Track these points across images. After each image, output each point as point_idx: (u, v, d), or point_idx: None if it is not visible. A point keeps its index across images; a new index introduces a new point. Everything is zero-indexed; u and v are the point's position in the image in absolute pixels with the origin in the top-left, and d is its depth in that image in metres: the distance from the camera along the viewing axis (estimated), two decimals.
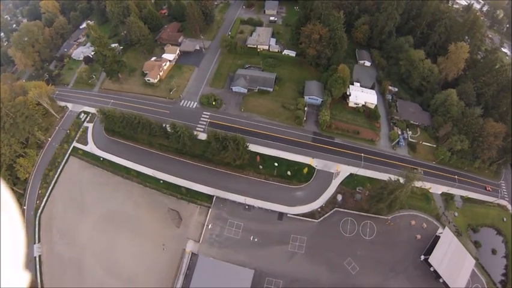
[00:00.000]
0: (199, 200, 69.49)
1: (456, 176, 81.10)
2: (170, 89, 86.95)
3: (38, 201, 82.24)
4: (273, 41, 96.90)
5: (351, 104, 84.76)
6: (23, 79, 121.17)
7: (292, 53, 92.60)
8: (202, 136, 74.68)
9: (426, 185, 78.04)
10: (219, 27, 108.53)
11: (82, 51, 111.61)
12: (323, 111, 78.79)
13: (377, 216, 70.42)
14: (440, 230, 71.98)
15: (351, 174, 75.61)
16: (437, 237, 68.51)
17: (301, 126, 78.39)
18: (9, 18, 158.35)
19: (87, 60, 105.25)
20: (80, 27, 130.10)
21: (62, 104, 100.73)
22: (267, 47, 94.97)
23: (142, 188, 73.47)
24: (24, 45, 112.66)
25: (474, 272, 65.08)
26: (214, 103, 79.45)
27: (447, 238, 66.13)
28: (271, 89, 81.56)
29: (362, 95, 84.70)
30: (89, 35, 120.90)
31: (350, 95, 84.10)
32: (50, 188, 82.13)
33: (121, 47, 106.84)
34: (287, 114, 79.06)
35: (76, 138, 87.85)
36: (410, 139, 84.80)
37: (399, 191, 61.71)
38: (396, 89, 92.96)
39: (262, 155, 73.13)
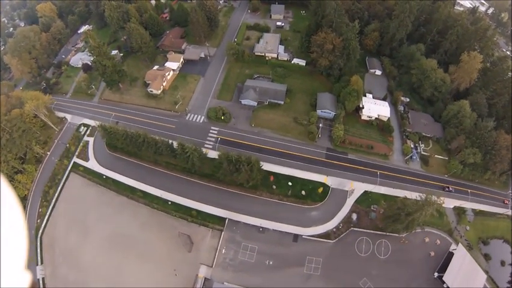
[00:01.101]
0: (210, 222, 64.67)
1: (469, 190, 78.45)
2: (175, 101, 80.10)
3: (38, 220, 76.33)
4: (281, 48, 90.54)
5: (364, 117, 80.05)
6: (19, 86, 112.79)
7: (302, 62, 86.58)
8: (212, 154, 69.46)
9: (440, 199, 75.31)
10: (224, 32, 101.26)
11: (80, 58, 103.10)
12: (337, 126, 74.02)
13: (391, 234, 67.57)
14: (453, 246, 69.18)
15: (365, 192, 71.99)
16: (450, 254, 65.91)
17: (314, 141, 73.62)
18: (6, 21, 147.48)
19: (86, 68, 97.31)
20: (79, 31, 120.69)
21: (61, 115, 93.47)
22: (276, 55, 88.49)
23: (148, 209, 68.07)
24: (20, 51, 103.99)
25: (485, 286, 63.54)
26: (222, 117, 73.55)
27: (460, 255, 63.53)
28: (282, 102, 75.94)
29: (375, 108, 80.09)
30: (87, 40, 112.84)
31: (363, 107, 79.40)
32: (50, 206, 76.14)
33: (121, 54, 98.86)
34: (300, 129, 74.07)
35: (76, 153, 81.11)
36: (422, 152, 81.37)
37: (418, 213, 58.95)
38: (407, 99, 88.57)
39: (275, 174, 68.41)
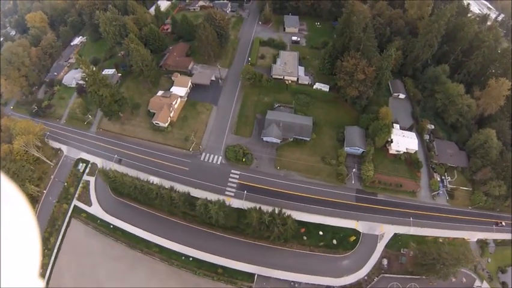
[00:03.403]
0: (239, 279, 55.52)
1: (494, 222, 73.76)
2: (185, 137, 66.88)
3: (41, 271, 65.66)
4: (301, 70, 77.69)
5: (391, 151, 71.62)
6: (9, 105, 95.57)
7: (326, 88, 74.58)
8: (235, 203, 59.61)
9: (464, 235, 70.54)
10: (235, 49, 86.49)
11: (74, 77, 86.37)
12: (366, 165, 65.10)
13: (420, 277, 62.70)
14: (477, 283, 65.89)
15: (395, 235, 65.59)
16: None
17: (343, 183, 65.27)
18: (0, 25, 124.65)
19: (80, 90, 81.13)
20: (72, 43, 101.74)
21: (56, 145, 78.71)
22: (296, 78, 76.26)
23: (167, 266, 57.98)
24: (8, 70, 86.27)
25: None
26: (243, 159, 62.86)
27: None
28: (308, 139, 65.82)
29: (403, 141, 71.33)
30: (81, 54, 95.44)
31: (391, 141, 70.88)
32: (53, 256, 65.12)
33: (119, 74, 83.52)
34: (328, 170, 64.66)
35: (76, 195, 68.30)
36: (448, 185, 75.03)
37: (456, 267, 54.34)
38: (432, 127, 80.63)
39: (305, 224, 59.83)
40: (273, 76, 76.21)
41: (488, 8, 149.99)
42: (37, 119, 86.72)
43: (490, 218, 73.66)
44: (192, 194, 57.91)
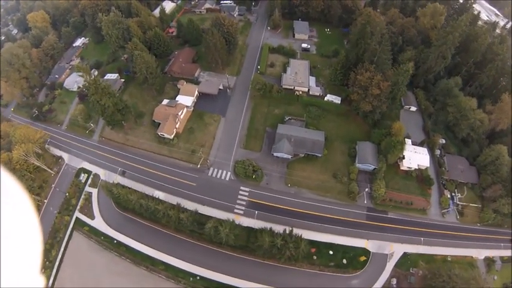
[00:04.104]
0: None
1: (500, 237, 72.46)
2: (192, 150, 63.47)
3: (43, 279, 62.95)
4: (312, 80, 74.03)
5: (403, 167, 69.45)
6: (10, 107, 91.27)
7: (337, 100, 71.25)
8: (245, 221, 57.09)
9: (472, 252, 69.13)
10: (243, 55, 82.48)
11: (75, 81, 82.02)
12: (378, 182, 62.77)
13: None
14: None
15: (404, 254, 63.82)
16: None
17: (354, 201, 63.02)
18: (0, 25, 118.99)
19: (82, 96, 77.01)
20: (74, 44, 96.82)
21: (57, 152, 75.31)
22: (307, 89, 73.03)
23: (174, 284, 55.38)
24: (8, 72, 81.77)
25: None
26: (253, 176, 60.14)
27: None
28: (320, 155, 63.21)
29: (415, 157, 68.89)
30: (83, 56, 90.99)
31: (403, 157, 68.53)
32: (54, 269, 62.40)
33: (122, 80, 79.17)
34: (339, 187, 62.18)
35: (78, 207, 65.22)
36: (458, 202, 73.17)
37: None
38: (444, 141, 78.35)
39: (316, 243, 57.66)
40: (283, 86, 72.75)
41: (496, 15, 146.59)
42: (38, 123, 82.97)
43: (498, 234, 72.08)
44: (199, 211, 55.34)
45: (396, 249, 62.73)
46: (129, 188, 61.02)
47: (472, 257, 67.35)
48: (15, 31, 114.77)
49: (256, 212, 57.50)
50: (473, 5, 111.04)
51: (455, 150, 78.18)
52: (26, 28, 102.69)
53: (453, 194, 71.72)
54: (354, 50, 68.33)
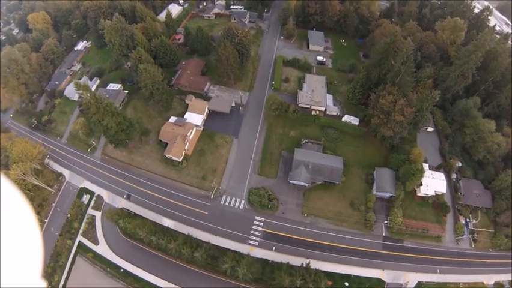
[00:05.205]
0: None
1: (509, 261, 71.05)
2: (203, 175, 58.55)
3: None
4: (329, 99, 68.78)
5: (419, 194, 66.65)
6: (9, 113, 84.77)
7: (355, 121, 66.74)
8: (260, 252, 53.76)
9: (483, 278, 67.72)
10: (255, 68, 76.58)
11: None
12: (395, 211, 60.03)
13: None
14: None
15: (419, 283, 61.83)
16: None
17: (371, 231, 60.12)
18: (2, 24, 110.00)
19: (83, 108, 71.64)
20: (75, 48, 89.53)
21: (57, 168, 70.00)
22: (324, 108, 68.31)
23: None
24: (7, 78, 75.01)
25: None
26: (269, 206, 56.12)
27: None
28: (338, 182, 59.48)
29: (432, 183, 65.70)
30: (84, 62, 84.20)
31: (421, 184, 65.52)
32: None
33: (126, 91, 73.23)
34: (356, 216, 58.96)
35: (81, 231, 60.71)
36: (472, 228, 71.10)
37: None
38: (460, 164, 75.42)
39: (331, 274, 55.16)
40: (299, 105, 67.96)
41: (507, 24, 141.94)
42: (37, 133, 77.27)
43: (507, 258, 70.74)
44: (213, 243, 51.72)
45: (411, 279, 60.44)
46: (135, 213, 56.93)
47: (482, 282, 65.86)
48: (16, 30, 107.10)
49: (272, 243, 54.03)
50: (489, 17, 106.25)
51: (470, 173, 75.21)
52: (28, 28, 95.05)
53: (467, 219, 69.46)
54: (376, 70, 63.50)
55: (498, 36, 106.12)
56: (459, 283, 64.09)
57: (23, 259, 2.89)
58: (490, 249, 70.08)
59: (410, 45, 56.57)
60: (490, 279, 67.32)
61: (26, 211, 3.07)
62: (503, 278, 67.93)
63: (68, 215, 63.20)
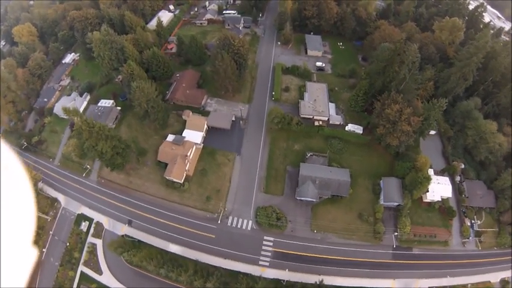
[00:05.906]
0: None
1: None
2: (207, 196, 55.82)
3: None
4: (332, 107, 66.27)
5: (426, 200, 66.02)
6: None
7: (359, 129, 64.69)
8: (271, 273, 52.02)
9: (490, 277, 68.43)
10: (254, 77, 73.32)
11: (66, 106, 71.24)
12: (403, 220, 59.24)
13: None
14: None
15: None
16: None
17: (380, 241, 59.23)
18: None
19: (74, 125, 67.11)
20: (63, 61, 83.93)
21: (51, 193, 66.02)
22: (327, 118, 66.26)
23: None
24: None
25: None
26: (277, 224, 54.11)
27: None
28: (346, 195, 58.01)
29: (438, 189, 65.04)
30: (73, 76, 79.25)
31: (427, 190, 64.78)
32: None
33: (119, 108, 68.54)
34: (365, 228, 57.69)
35: (82, 260, 57.43)
36: (477, 229, 71.31)
37: None
38: (463, 166, 75.00)
39: None
40: (302, 116, 65.53)
41: (498, 18, 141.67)
42: (27, 154, 72.75)
43: (509, 255, 71.49)
44: (223, 266, 49.74)
45: (421, 285, 60.45)
46: (138, 240, 54.23)
47: (489, 281, 66.40)
48: (3, 43, 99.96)
49: (283, 263, 52.39)
50: (483, 13, 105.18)
51: (473, 174, 75.04)
52: (14, 41, 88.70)
53: (472, 221, 69.53)
54: (381, 78, 61.39)
55: (492, 31, 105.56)
56: (467, 284, 64.36)
57: (15, 226, 2.76)
58: (495, 248, 70.59)
59: (415, 52, 54.51)
60: (496, 277, 67.95)
61: (21, 176, 2.99)
62: (509, 274, 68.67)
63: (67, 244, 59.85)
